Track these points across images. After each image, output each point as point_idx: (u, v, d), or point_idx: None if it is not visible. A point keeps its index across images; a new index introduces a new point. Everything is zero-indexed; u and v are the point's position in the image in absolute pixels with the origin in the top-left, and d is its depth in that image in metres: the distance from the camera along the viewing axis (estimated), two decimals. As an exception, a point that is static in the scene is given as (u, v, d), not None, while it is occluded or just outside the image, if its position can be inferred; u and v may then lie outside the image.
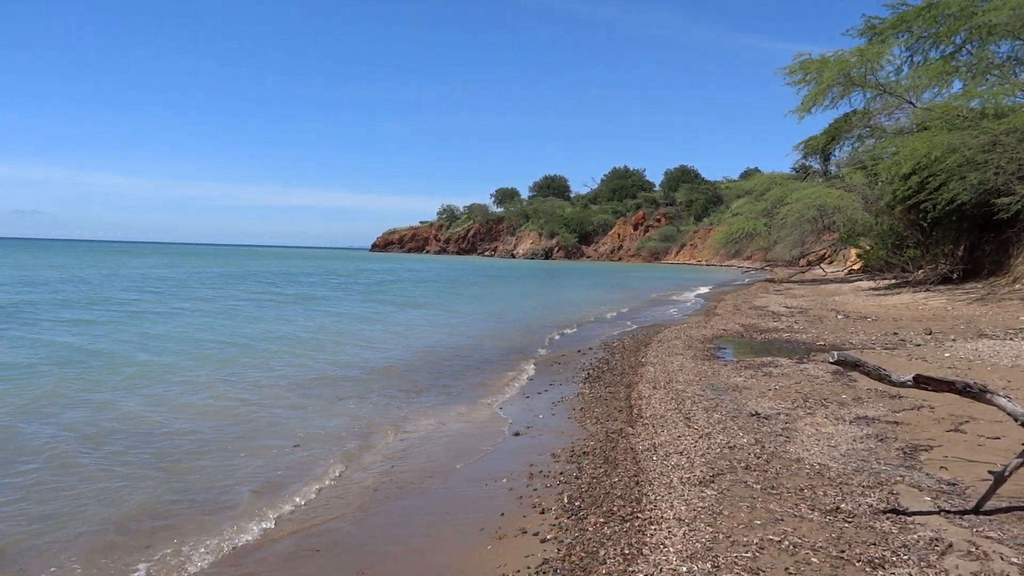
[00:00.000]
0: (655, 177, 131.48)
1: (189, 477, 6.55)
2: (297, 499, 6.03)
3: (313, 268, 62.45)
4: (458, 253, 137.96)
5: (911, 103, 24.41)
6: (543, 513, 5.50)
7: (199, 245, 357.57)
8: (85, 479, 6.36)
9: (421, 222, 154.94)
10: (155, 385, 10.39)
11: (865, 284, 29.99)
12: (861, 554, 4.23)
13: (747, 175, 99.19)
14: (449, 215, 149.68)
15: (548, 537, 5.01)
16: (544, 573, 4.43)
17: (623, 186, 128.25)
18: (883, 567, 4.07)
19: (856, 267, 38.96)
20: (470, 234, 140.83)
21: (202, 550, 5.03)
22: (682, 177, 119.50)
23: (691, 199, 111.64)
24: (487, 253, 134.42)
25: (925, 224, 25.17)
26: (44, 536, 5.23)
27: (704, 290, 37.09)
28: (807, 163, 69.55)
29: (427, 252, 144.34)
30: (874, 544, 4.36)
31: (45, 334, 15.36)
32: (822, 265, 48.45)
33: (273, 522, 5.56)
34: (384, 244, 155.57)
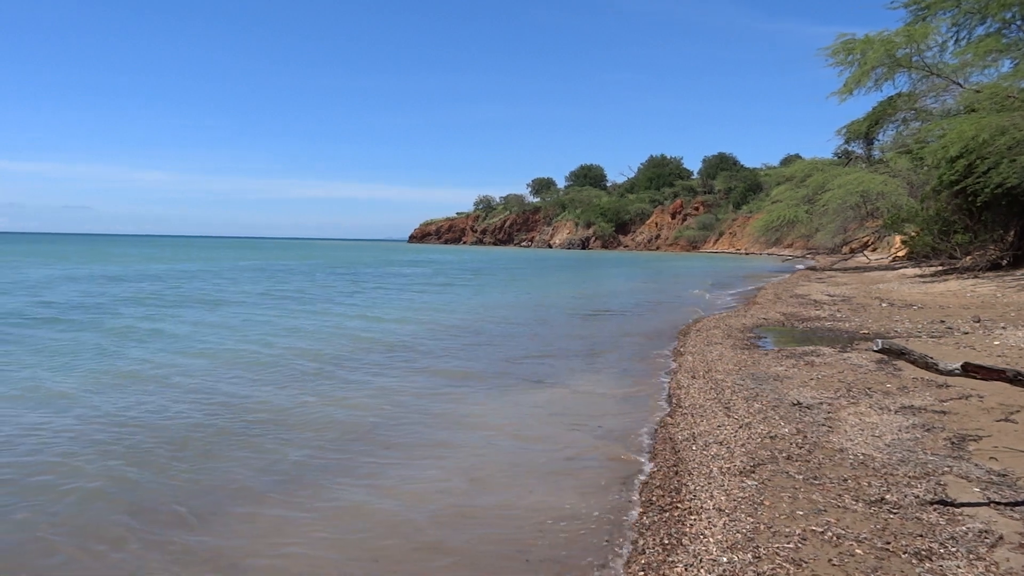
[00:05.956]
0: (693, 165, 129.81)
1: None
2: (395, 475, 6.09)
3: (394, 259, 65.67)
4: (494, 244, 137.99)
5: (958, 84, 23.73)
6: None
7: (242, 238, 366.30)
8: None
9: (458, 213, 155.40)
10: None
11: (911, 271, 29.32)
12: (907, 546, 4.14)
13: (787, 161, 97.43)
14: (485, 206, 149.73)
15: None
16: (583, 562, 4.42)
17: (660, 174, 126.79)
18: (930, 559, 3.98)
19: (901, 254, 38.10)
20: (506, 224, 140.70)
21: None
22: (720, 164, 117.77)
23: (730, 187, 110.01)
24: (523, 243, 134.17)
25: (973, 209, 24.47)
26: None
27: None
28: (850, 148, 67.94)
29: (463, 243, 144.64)
30: (921, 536, 4.27)
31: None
32: (866, 252, 47.50)
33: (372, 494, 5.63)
34: (421, 235, 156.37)
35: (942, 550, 4.08)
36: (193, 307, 19.69)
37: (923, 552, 4.06)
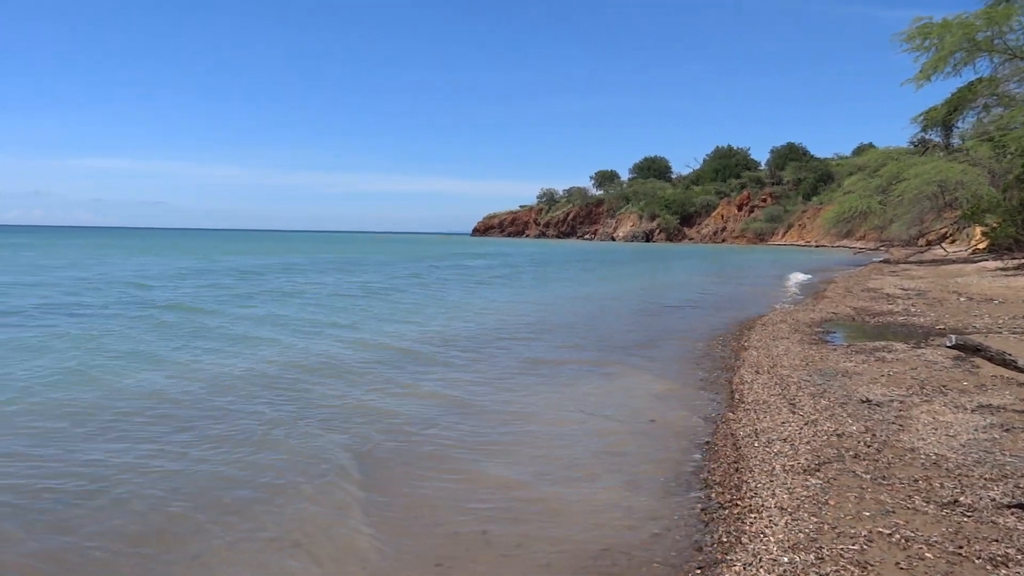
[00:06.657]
0: (760, 155, 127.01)
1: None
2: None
3: (460, 251, 67.47)
4: (558, 237, 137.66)
5: (1045, 68, 22.53)
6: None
7: (309, 232, 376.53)
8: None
9: (521, 206, 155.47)
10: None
11: (991, 264, 28.05)
12: (981, 551, 3.97)
13: (860, 151, 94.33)
14: (548, 199, 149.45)
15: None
16: (639, 558, 4.38)
17: (727, 166, 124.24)
18: (1006, 565, 3.80)
19: (981, 246, 36.46)
20: (569, 217, 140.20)
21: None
22: (789, 155, 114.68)
23: (799, 177, 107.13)
24: (587, 236, 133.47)
25: (1061, 199, 23.27)
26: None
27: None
28: (927, 136, 65.34)
29: (526, 236, 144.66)
30: (996, 540, 4.08)
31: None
32: (943, 245, 45.53)
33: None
34: (484, 229, 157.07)
35: (1020, 556, 3.89)
36: (294, 299, 20.40)
37: (998, 558, 3.88)
